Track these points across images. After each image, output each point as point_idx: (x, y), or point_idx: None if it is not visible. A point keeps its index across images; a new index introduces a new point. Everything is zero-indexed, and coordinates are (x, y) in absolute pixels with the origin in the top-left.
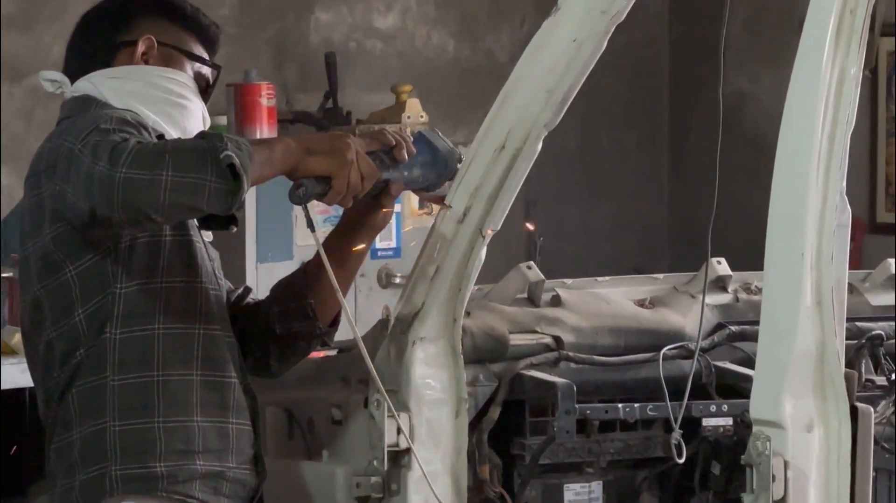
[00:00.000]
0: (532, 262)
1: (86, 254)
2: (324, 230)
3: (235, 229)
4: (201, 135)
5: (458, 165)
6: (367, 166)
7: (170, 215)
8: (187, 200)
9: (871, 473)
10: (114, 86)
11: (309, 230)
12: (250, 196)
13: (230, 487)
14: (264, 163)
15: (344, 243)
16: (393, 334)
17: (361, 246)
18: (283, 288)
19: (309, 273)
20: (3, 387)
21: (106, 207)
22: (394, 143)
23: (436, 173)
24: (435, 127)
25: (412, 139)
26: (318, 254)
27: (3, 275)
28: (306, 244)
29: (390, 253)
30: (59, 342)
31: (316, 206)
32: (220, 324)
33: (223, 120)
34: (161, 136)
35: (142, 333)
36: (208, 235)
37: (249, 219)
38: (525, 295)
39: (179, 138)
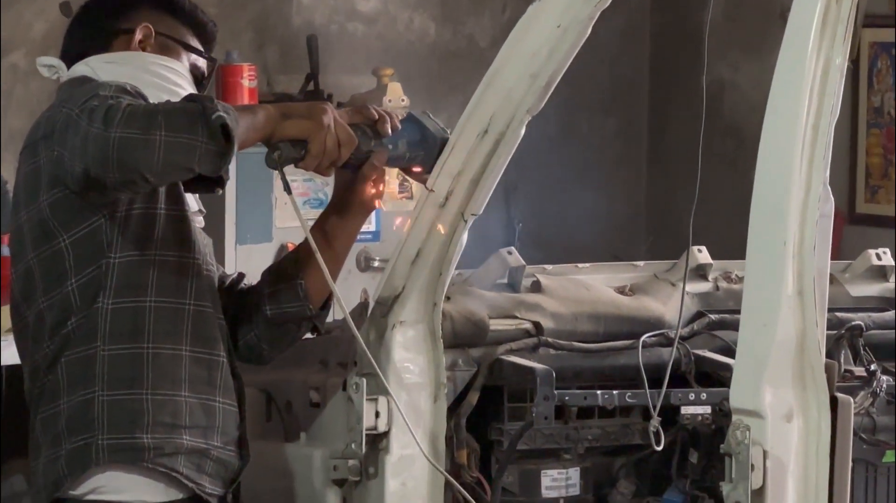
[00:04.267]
0: (513, 248)
1: (81, 222)
2: (304, 213)
3: (221, 192)
4: (191, 97)
5: None
6: (344, 133)
7: (163, 175)
8: (180, 160)
9: (850, 464)
10: (110, 70)
11: (286, 193)
12: (230, 177)
13: (213, 466)
14: (249, 128)
15: (334, 223)
16: (372, 317)
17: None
18: (275, 271)
19: (300, 255)
20: None
21: (100, 168)
22: (377, 116)
23: (423, 151)
24: (417, 110)
25: (400, 117)
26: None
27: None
28: (286, 226)
29: (369, 236)
30: (49, 312)
31: (296, 190)
32: (210, 303)
33: None
34: None
35: (133, 304)
36: (200, 222)
37: (229, 200)
38: (505, 280)
39: (169, 100)
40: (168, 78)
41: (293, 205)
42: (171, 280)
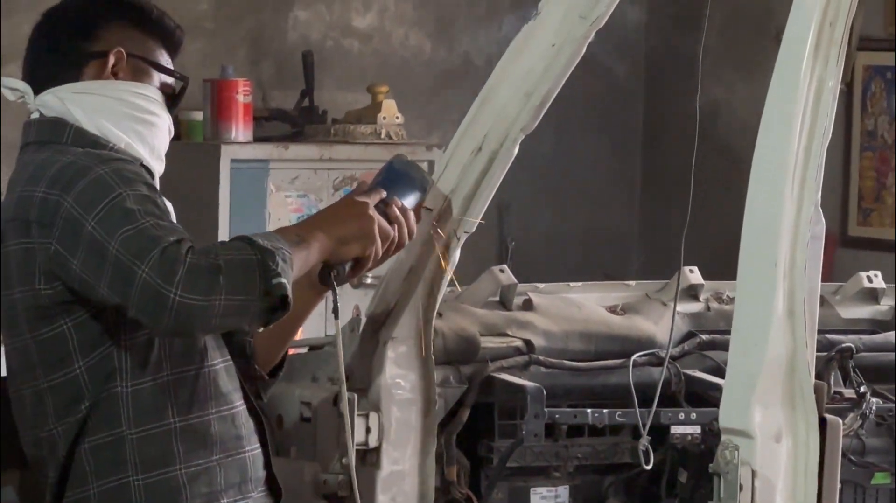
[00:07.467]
0: (505, 266)
1: (85, 307)
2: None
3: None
4: (250, 242)
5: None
6: (385, 231)
7: (214, 332)
8: (234, 322)
9: (838, 485)
10: (81, 102)
11: (335, 315)
12: (223, 193)
13: None
14: (301, 267)
15: (301, 298)
16: (364, 334)
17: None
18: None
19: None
20: None
21: (149, 321)
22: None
23: (419, 203)
24: (397, 158)
25: (387, 168)
26: None
27: None
28: None
29: None
30: (51, 394)
31: (290, 205)
32: (220, 354)
33: (199, 115)
34: (141, 165)
35: (154, 383)
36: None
37: (223, 216)
38: (497, 298)
39: (228, 247)
40: (141, 107)
41: (336, 329)
42: (183, 349)
